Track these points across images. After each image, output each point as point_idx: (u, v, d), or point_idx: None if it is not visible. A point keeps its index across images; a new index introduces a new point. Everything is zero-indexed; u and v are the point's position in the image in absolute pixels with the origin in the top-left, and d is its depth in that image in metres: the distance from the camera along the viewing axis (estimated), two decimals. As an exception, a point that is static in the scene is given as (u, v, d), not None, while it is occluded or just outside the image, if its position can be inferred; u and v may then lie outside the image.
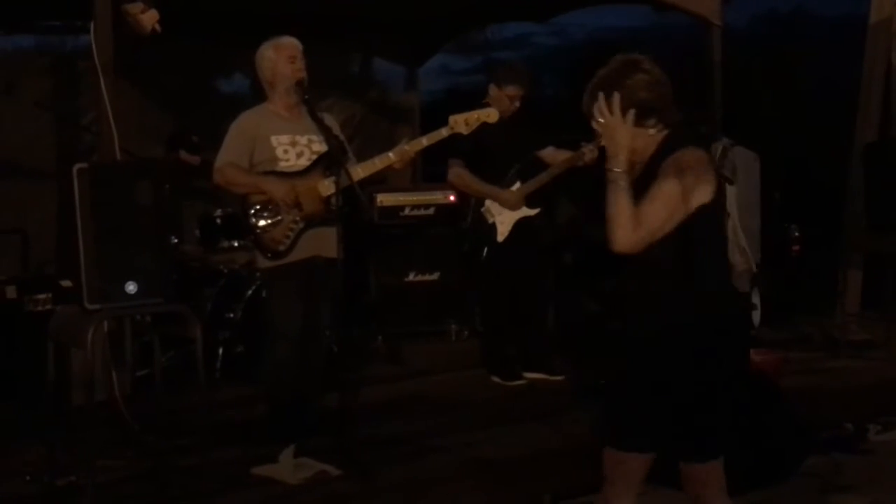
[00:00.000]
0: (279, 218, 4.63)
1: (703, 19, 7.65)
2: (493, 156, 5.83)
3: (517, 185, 5.97)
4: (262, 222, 4.64)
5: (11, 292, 5.74)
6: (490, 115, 4.85)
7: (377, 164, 4.72)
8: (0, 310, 5.74)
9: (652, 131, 2.96)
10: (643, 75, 2.96)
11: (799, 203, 9.18)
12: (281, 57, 4.71)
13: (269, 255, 4.66)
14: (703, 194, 2.89)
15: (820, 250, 8.34)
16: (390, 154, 4.72)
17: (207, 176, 4.93)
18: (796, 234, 8.78)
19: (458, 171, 5.94)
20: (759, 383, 4.55)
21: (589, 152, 5.82)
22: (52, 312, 5.43)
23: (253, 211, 4.65)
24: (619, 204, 2.88)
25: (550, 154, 6.05)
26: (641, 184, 2.94)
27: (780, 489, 4.08)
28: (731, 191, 7.34)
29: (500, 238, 5.95)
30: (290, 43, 4.75)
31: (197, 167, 6.65)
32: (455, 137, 4.85)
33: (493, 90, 5.97)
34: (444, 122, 4.85)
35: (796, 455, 4.27)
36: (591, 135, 5.80)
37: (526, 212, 5.97)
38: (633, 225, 2.87)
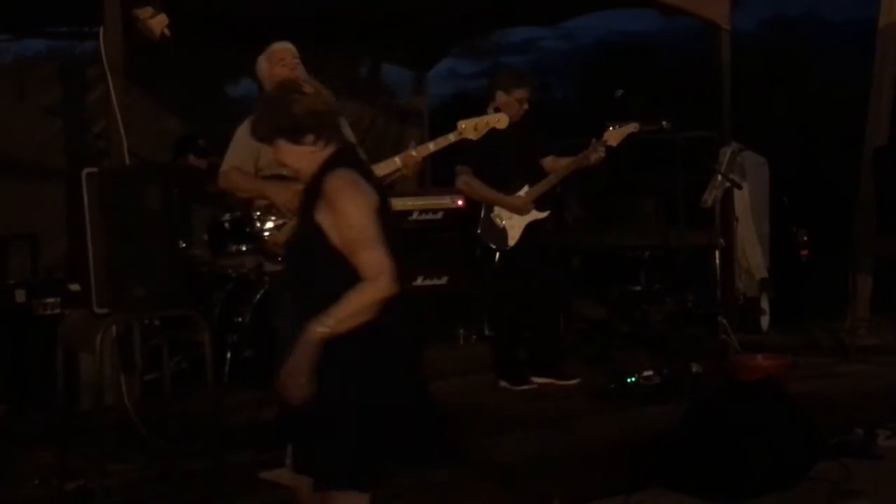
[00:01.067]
0: (283, 222, 4.64)
1: (711, 23, 7.65)
2: (502, 160, 5.83)
3: (525, 188, 5.97)
4: (265, 226, 4.65)
5: (21, 296, 5.76)
6: (500, 120, 4.84)
7: (383, 168, 4.72)
8: (10, 314, 5.76)
9: (311, 148, 3.02)
10: (297, 96, 3.02)
11: (808, 207, 9.18)
12: (273, 63, 4.73)
13: (272, 259, 4.67)
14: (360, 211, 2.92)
15: (829, 254, 8.33)
16: (396, 159, 4.72)
17: (215, 180, 4.94)
18: (805, 238, 8.78)
19: (465, 179, 5.94)
20: (768, 388, 4.54)
21: (595, 153, 5.81)
22: (62, 316, 5.46)
23: (257, 215, 4.66)
24: (350, 306, 2.89)
25: (551, 163, 6.05)
26: (309, 198, 3.01)
27: (790, 494, 4.07)
28: (739, 195, 7.35)
29: (511, 242, 5.95)
30: (281, 48, 4.78)
31: (205, 171, 6.66)
32: (463, 143, 4.84)
33: (500, 96, 5.95)
34: (453, 126, 4.85)
35: (806, 460, 4.25)
36: (598, 136, 5.84)
37: (535, 215, 5.97)
38: (370, 285, 2.89)
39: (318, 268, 3.00)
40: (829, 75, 14.22)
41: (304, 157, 3.04)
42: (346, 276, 2.91)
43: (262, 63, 4.78)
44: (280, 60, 4.71)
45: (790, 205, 8.63)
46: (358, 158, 3.21)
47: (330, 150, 3.04)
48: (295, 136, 3.02)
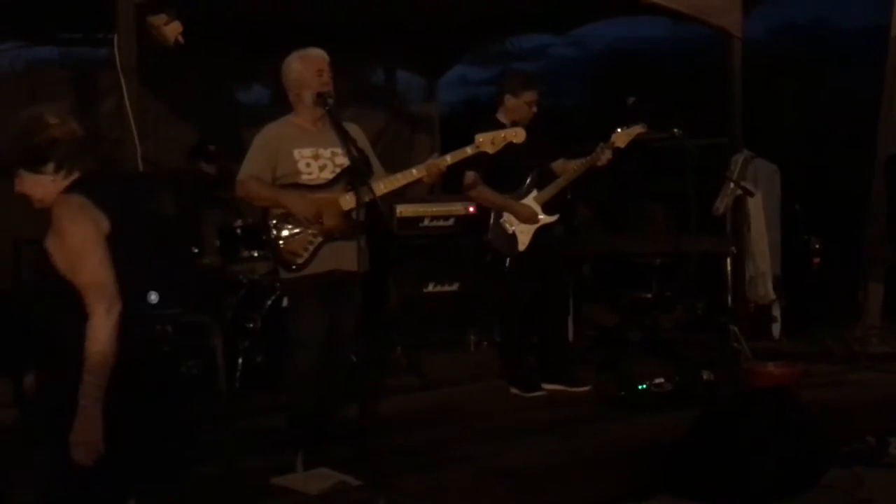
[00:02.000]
0: (298, 231, 4.65)
1: (723, 31, 7.65)
2: (511, 164, 5.84)
3: (534, 193, 5.98)
4: (281, 234, 4.66)
5: (33, 301, 5.77)
6: (518, 134, 4.87)
7: (399, 179, 4.72)
8: (22, 319, 5.78)
9: (52, 177, 3.12)
10: (38, 126, 3.11)
11: (820, 215, 9.17)
12: (308, 69, 4.72)
13: (285, 267, 4.68)
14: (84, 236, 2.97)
15: (841, 262, 8.32)
16: (413, 171, 4.74)
17: (227, 186, 4.95)
18: (817, 246, 8.76)
19: (473, 184, 5.95)
20: (779, 396, 4.54)
21: (604, 154, 5.82)
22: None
23: (273, 223, 4.67)
24: (94, 358, 2.93)
25: (560, 166, 6.06)
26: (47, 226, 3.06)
27: (800, 502, 4.06)
28: (751, 203, 7.34)
29: (521, 247, 5.95)
30: (319, 55, 4.76)
31: (216, 177, 6.68)
32: (484, 155, 4.86)
33: (509, 100, 5.97)
34: (466, 135, 4.86)
35: (817, 468, 4.25)
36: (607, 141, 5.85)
37: (545, 219, 5.98)
38: (94, 320, 2.95)
39: (49, 296, 3.04)
40: (839, 83, 14.20)
41: (43, 185, 3.15)
42: (73, 304, 2.94)
43: (295, 64, 4.75)
44: (318, 70, 4.70)
45: (802, 212, 8.61)
46: (102, 186, 3.23)
47: (72, 178, 3.06)
48: (35, 166, 3.11)
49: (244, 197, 4.75)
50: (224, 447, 4.55)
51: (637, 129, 5.83)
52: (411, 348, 6.99)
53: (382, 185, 4.63)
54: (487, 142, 4.78)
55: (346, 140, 4.60)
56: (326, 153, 4.75)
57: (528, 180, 5.99)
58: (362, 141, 4.82)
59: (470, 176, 5.90)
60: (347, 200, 4.61)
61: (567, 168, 6.01)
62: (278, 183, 4.69)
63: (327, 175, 4.71)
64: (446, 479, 4.31)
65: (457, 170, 5.00)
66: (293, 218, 4.63)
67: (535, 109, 5.97)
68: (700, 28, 7.86)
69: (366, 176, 4.49)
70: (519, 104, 5.94)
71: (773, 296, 7.53)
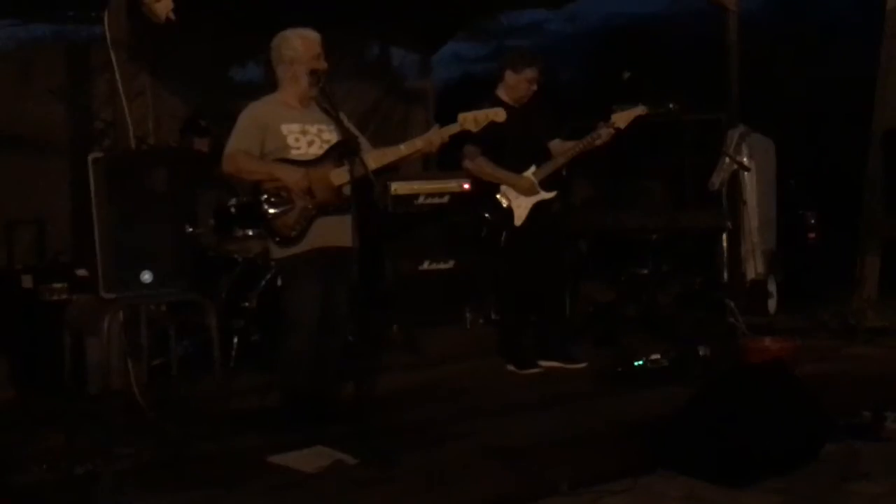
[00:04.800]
0: (291, 205, 4.64)
1: (718, 4, 7.62)
2: (510, 142, 5.82)
3: (532, 169, 5.96)
4: (273, 209, 4.65)
5: (27, 281, 5.76)
6: (498, 114, 4.90)
7: (388, 155, 4.73)
8: (16, 299, 5.77)
9: None
10: None
11: (816, 189, 9.16)
12: (307, 51, 4.72)
13: (279, 240, 4.67)
14: None
15: (837, 237, 8.31)
16: (402, 147, 4.75)
17: (220, 164, 4.93)
18: (812, 220, 8.76)
19: (473, 158, 5.93)
20: (775, 371, 4.53)
21: (603, 134, 5.80)
22: (69, 301, 5.46)
23: (265, 197, 4.66)
24: None
25: (557, 146, 6.04)
26: None
27: (798, 477, 4.06)
28: (747, 178, 7.33)
29: (518, 222, 5.94)
30: (316, 38, 4.77)
31: (210, 154, 6.64)
32: (468, 133, 4.87)
33: (509, 76, 5.96)
34: (460, 109, 4.87)
35: (813, 443, 4.25)
36: (605, 119, 5.83)
37: (542, 195, 5.96)
38: None
39: None
40: (835, 56, 14.15)
41: None
42: None
43: (294, 41, 4.74)
44: (316, 55, 4.72)
45: (798, 187, 8.60)
46: None
47: None
48: None
49: (233, 172, 4.73)
50: (220, 426, 4.54)
51: (637, 111, 5.79)
52: (407, 326, 6.99)
53: (372, 161, 4.62)
54: (470, 120, 4.81)
55: (335, 116, 4.60)
56: (313, 129, 4.75)
57: (526, 157, 5.97)
58: (346, 121, 4.81)
59: (469, 149, 5.89)
60: (338, 175, 4.60)
61: (564, 148, 5.99)
62: (267, 159, 4.68)
63: (316, 150, 4.71)
64: (443, 457, 4.32)
65: (454, 144, 5.00)
66: (285, 192, 4.62)
67: (534, 87, 5.96)
68: (696, 2, 7.83)
69: (356, 151, 4.49)
70: (519, 80, 5.93)
71: (762, 271, 7.53)
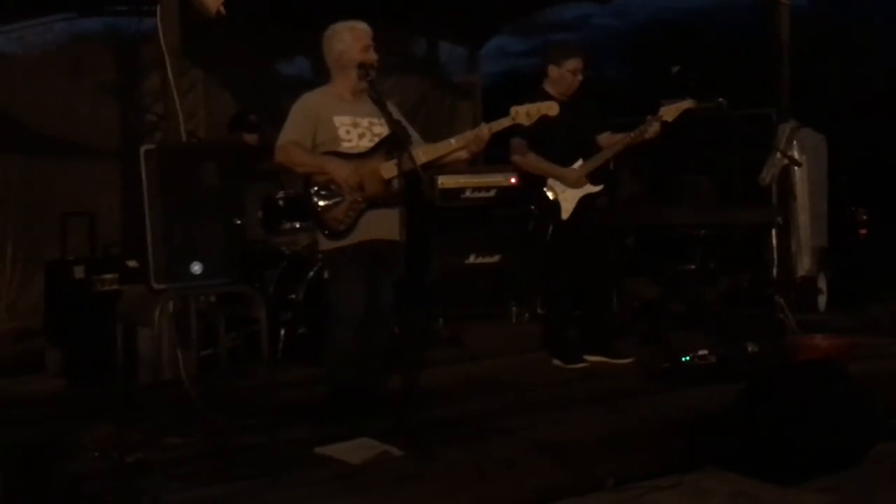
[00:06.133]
0: (341, 198, 4.66)
1: (770, -2, 7.53)
2: (557, 134, 5.80)
3: (579, 162, 5.93)
4: (323, 202, 4.67)
5: (79, 272, 5.85)
6: (551, 108, 4.87)
7: (439, 149, 4.73)
8: (69, 290, 5.86)
9: None
10: None
11: (867, 185, 9.03)
12: (357, 41, 4.73)
13: (328, 233, 4.69)
14: None
15: (888, 233, 8.20)
16: (452, 140, 4.74)
17: (268, 158, 4.96)
18: (864, 217, 8.64)
19: (520, 150, 5.93)
20: (828, 368, 4.48)
21: (651, 127, 5.76)
22: (119, 292, 5.53)
23: (315, 190, 4.68)
24: None
25: (606, 139, 6.01)
26: None
27: (849, 476, 4.02)
28: (798, 173, 7.24)
29: (565, 216, 5.92)
30: (366, 29, 4.78)
31: (259, 148, 6.69)
32: (520, 126, 4.85)
33: (553, 71, 5.94)
34: (506, 103, 4.85)
35: (864, 441, 4.20)
36: (654, 112, 5.79)
37: (589, 189, 5.94)
38: None
39: None
40: (888, 51, 13.94)
41: None
42: None
43: (344, 34, 4.75)
44: (365, 46, 4.73)
45: (849, 183, 8.49)
46: None
47: None
48: None
49: (285, 162, 4.76)
50: (267, 417, 4.57)
51: (686, 104, 5.74)
52: (453, 320, 6.99)
53: (422, 154, 4.63)
54: (523, 114, 4.78)
55: (385, 109, 4.61)
56: (364, 122, 4.76)
57: (573, 151, 5.95)
58: (397, 114, 4.81)
59: (517, 142, 5.88)
60: (388, 168, 4.61)
61: (613, 141, 5.96)
62: (318, 150, 4.70)
63: (366, 143, 4.72)
64: (489, 452, 4.31)
65: (502, 139, 4.99)
66: (335, 185, 4.64)
67: (580, 77, 5.93)
68: (745, -4, 7.74)
69: (406, 145, 4.49)
70: (563, 73, 5.91)
71: (812, 268, 7.44)
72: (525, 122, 4.80)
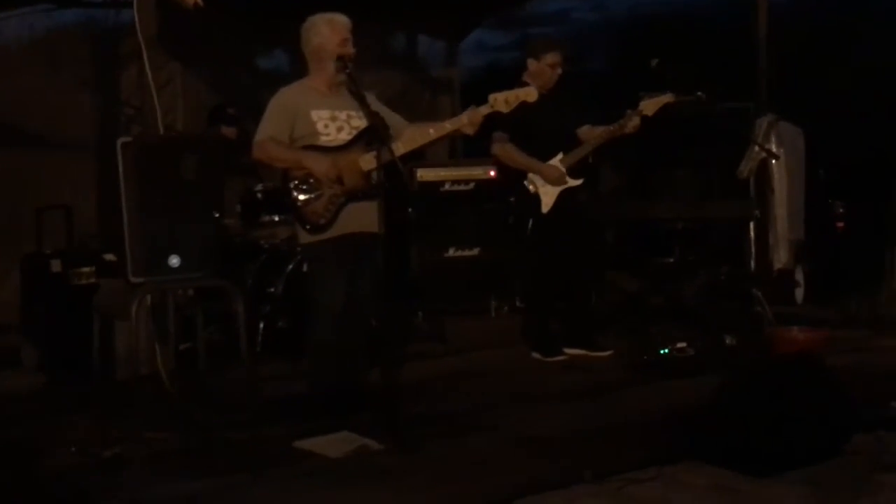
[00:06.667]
0: (320, 192, 4.64)
1: (748, -7, 7.56)
2: (538, 129, 5.81)
3: (559, 156, 5.94)
4: (303, 196, 4.65)
5: (56, 266, 5.81)
6: (529, 94, 4.84)
7: (417, 139, 4.72)
8: (45, 283, 5.82)
9: None
10: None
11: (845, 179, 9.08)
12: (335, 34, 4.71)
13: (309, 227, 4.67)
14: None
15: (865, 227, 8.24)
16: (431, 130, 4.73)
17: (247, 151, 4.94)
18: (841, 210, 8.69)
19: (502, 144, 5.93)
20: (804, 361, 4.50)
21: (631, 121, 5.77)
22: (97, 286, 5.50)
23: (294, 184, 4.66)
24: None
25: (586, 132, 6.02)
26: None
27: (825, 468, 4.03)
28: (775, 166, 7.27)
29: (545, 209, 5.93)
30: (345, 22, 4.75)
31: (238, 142, 6.67)
32: (498, 114, 4.84)
33: (532, 64, 5.95)
34: (485, 98, 4.83)
35: (841, 434, 4.22)
36: (633, 107, 5.80)
37: (570, 182, 5.95)
38: None
39: None
40: (865, 47, 14.02)
41: None
42: None
43: (322, 28, 4.73)
44: (343, 40, 4.71)
45: (826, 176, 8.53)
46: None
47: None
48: None
49: (263, 158, 4.74)
50: (246, 412, 4.56)
51: (665, 98, 5.76)
52: (432, 314, 6.99)
53: (401, 146, 4.62)
54: (501, 101, 4.75)
55: (363, 102, 4.59)
56: (342, 115, 4.75)
57: (554, 144, 5.95)
58: (377, 105, 4.79)
59: (498, 136, 5.88)
60: (367, 161, 4.60)
61: (593, 134, 5.96)
62: (296, 144, 4.69)
63: (345, 136, 4.71)
64: (469, 445, 4.32)
65: (481, 132, 4.98)
66: (314, 179, 4.62)
67: (559, 71, 5.94)
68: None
69: (385, 136, 4.48)
70: (542, 67, 5.91)
71: (789, 260, 7.48)
72: (504, 109, 4.78)
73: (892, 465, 4.08)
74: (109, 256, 5.84)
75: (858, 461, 4.12)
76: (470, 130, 4.73)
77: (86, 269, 5.76)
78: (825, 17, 15.39)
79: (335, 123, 4.73)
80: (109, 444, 4.18)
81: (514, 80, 5.95)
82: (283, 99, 4.76)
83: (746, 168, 6.49)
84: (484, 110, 4.76)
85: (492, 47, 16.79)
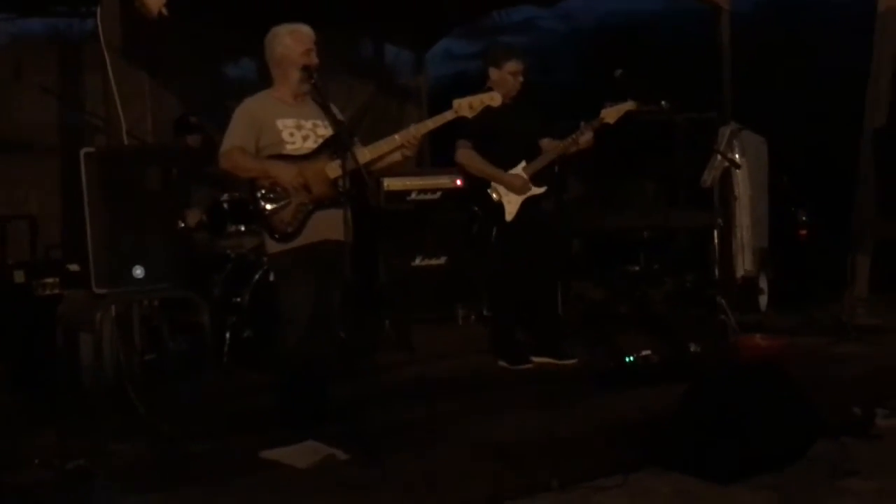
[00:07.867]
0: (287, 201, 4.64)
1: (712, 4, 7.63)
2: (501, 137, 5.84)
3: (522, 164, 5.97)
4: (270, 205, 4.65)
5: (19, 276, 5.76)
6: (493, 98, 4.87)
7: (383, 146, 4.74)
8: (8, 294, 5.76)
9: None
10: None
11: (808, 187, 9.17)
12: (298, 45, 4.71)
13: (277, 236, 4.66)
14: None
15: (828, 234, 8.33)
16: (396, 136, 4.75)
17: (213, 160, 4.93)
18: (804, 218, 8.78)
19: (465, 152, 5.95)
20: (766, 368, 4.55)
21: (583, 136, 5.82)
22: (61, 297, 5.46)
23: (261, 194, 4.66)
24: None
25: (547, 144, 6.07)
26: None
27: (788, 474, 4.08)
28: (738, 175, 7.34)
29: (509, 217, 5.96)
30: (308, 33, 4.75)
31: (203, 151, 6.65)
32: (463, 120, 4.86)
33: (493, 73, 5.99)
34: (449, 105, 4.86)
35: (804, 440, 4.26)
36: (595, 117, 5.84)
37: (534, 190, 5.98)
38: None
39: None
40: (827, 56, 14.18)
41: None
42: None
43: (285, 38, 4.73)
44: (307, 50, 4.71)
45: (789, 184, 8.62)
46: None
47: None
48: None
49: (230, 169, 4.73)
50: (212, 423, 4.54)
51: (627, 106, 5.81)
52: (399, 322, 6.99)
53: (367, 153, 4.65)
54: (465, 106, 4.79)
55: (328, 111, 4.60)
56: (308, 124, 4.76)
57: (517, 152, 5.97)
58: (341, 116, 4.81)
59: (461, 144, 5.90)
60: (333, 168, 4.60)
61: (551, 147, 6.01)
62: (262, 154, 4.68)
63: (311, 145, 4.71)
64: (435, 454, 4.32)
65: (447, 141, 5.01)
66: (281, 188, 4.62)
67: (521, 79, 5.97)
68: (689, 2, 7.84)
69: (350, 144, 4.50)
70: (503, 76, 5.95)
71: (753, 268, 7.55)
72: (468, 114, 4.81)
73: (854, 471, 4.13)
74: (74, 267, 5.80)
75: (821, 467, 4.16)
76: (408, 152, 4.76)
77: (50, 280, 5.71)
78: (787, 28, 15.57)
79: (301, 132, 4.73)
80: (73, 457, 4.15)
81: (479, 89, 5.98)
82: (249, 109, 4.75)
83: (710, 177, 6.55)
84: (449, 116, 4.79)
85: (459, 56, 16.81)
